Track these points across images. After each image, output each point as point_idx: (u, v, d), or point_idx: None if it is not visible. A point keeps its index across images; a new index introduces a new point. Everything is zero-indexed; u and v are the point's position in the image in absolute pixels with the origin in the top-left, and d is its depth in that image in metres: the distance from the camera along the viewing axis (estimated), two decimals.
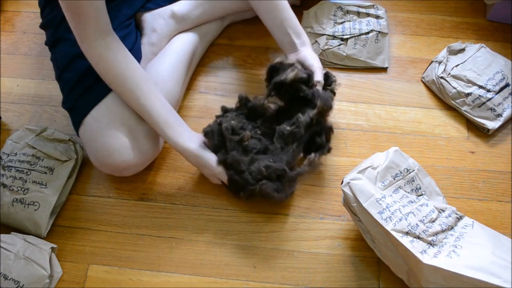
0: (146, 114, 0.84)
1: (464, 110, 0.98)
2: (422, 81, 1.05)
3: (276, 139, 0.87)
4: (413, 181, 0.79)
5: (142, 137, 0.87)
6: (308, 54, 0.92)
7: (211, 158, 0.86)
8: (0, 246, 0.83)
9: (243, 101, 0.91)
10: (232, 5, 1.06)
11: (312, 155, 0.87)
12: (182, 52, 1.00)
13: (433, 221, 0.74)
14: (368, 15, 1.09)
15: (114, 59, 0.83)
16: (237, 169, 0.85)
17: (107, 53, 0.82)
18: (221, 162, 0.86)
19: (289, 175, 0.85)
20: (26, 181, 0.89)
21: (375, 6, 1.11)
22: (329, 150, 0.91)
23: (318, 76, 0.89)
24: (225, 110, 0.92)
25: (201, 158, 0.86)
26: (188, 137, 0.86)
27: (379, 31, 1.07)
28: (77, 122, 0.88)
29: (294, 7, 1.14)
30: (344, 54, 1.06)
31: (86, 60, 0.88)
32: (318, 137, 0.89)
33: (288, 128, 0.86)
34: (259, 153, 0.87)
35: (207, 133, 0.89)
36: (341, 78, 1.05)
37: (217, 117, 0.91)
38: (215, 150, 0.88)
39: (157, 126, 0.85)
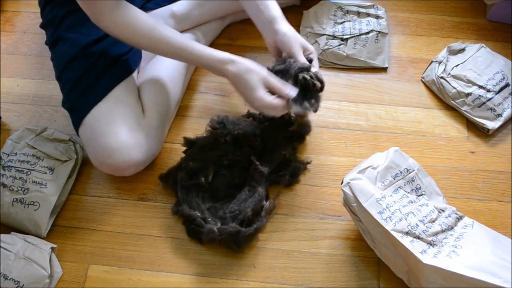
0: (184, 51, 0.83)
1: (464, 110, 0.98)
2: (422, 81, 1.05)
3: (249, 179, 0.88)
4: (413, 181, 0.79)
5: (142, 137, 0.87)
6: (286, 33, 0.85)
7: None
8: (0, 246, 0.83)
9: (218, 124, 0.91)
10: (232, 5, 1.06)
11: (268, 203, 0.87)
12: None
13: (433, 221, 0.74)
14: (368, 15, 1.09)
15: (137, 20, 0.82)
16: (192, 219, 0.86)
17: (127, 18, 0.80)
18: (175, 212, 0.89)
19: (243, 234, 0.84)
20: (26, 181, 0.89)
21: (375, 6, 1.10)
22: (289, 184, 0.92)
23: (301, 58, 0.84)
24: (189, 143, 0.91)
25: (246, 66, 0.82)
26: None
27: (379, 31, 1.07)
28: (77, 122, 0.88)
29: (294, 7, 1.15)
30: (344, 54, 1.06)
31: (86, 60, 0.88)
32: (282, 173, 0.91)
33: (263, 170, 0.87)
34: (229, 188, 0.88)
35: (162, 178, 0.92)
36: (341, 78, 1.06)
37: (184, 152, 0.92)
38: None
39: (201, 52, 0.83)
